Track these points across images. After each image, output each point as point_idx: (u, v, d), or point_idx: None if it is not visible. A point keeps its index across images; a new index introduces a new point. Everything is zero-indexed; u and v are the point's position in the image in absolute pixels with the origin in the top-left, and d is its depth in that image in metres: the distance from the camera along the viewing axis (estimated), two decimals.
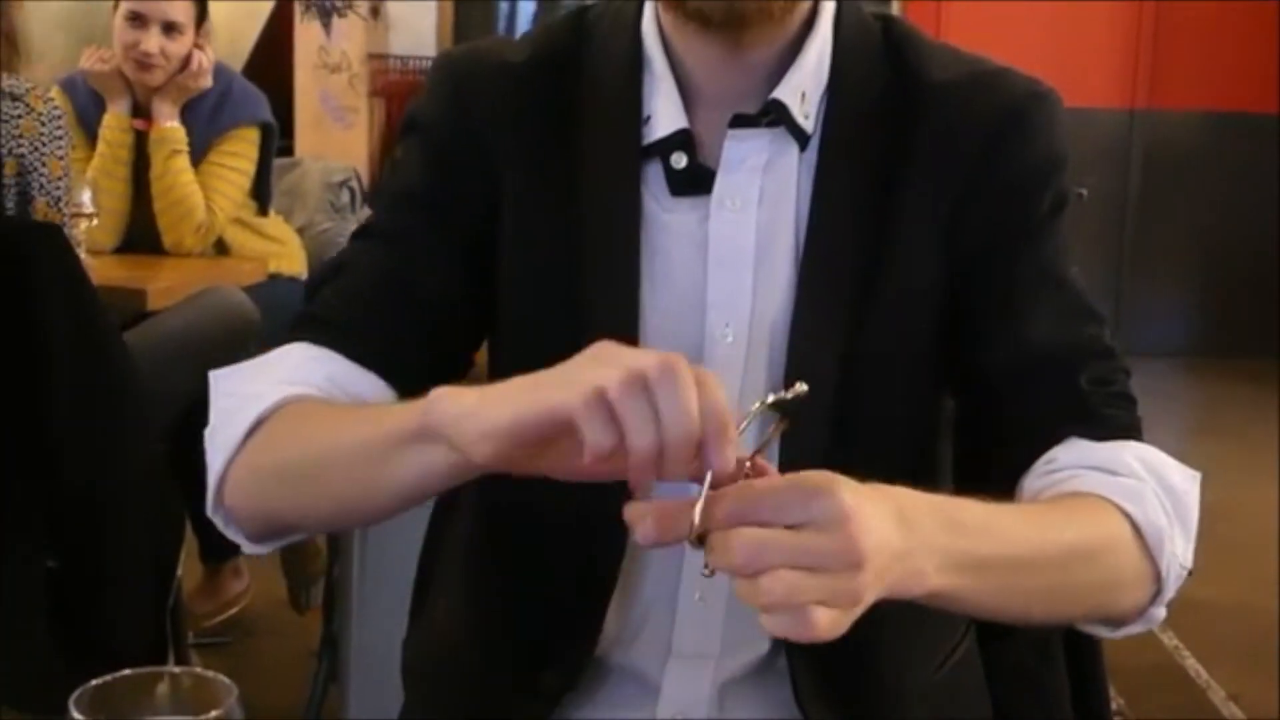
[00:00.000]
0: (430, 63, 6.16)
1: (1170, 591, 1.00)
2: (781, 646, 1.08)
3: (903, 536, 0.79)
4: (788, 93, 1.06)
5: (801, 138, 1.07)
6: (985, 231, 1.06)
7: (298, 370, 1.03)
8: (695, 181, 1.07)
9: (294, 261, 3.39)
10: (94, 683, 0.70)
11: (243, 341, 2.84)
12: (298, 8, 6.23)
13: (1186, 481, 1.02)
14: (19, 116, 2.18)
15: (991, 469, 1.07)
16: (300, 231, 3.51)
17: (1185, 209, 6.68)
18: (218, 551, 3.07)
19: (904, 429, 1.10)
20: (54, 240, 2.01)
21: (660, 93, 1.08)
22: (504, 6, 6.94)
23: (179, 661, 2.46)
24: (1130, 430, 1.05)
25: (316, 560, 3.08)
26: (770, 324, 1.05)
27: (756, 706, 1.09)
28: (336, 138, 6.15)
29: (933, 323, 1.07)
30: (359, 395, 1.03)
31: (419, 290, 1.08)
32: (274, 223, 3.38)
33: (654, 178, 1.08)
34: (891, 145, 1.06)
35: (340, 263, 1.12)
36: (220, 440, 1.01)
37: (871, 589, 0.77)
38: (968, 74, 1.09)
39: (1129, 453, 1.01)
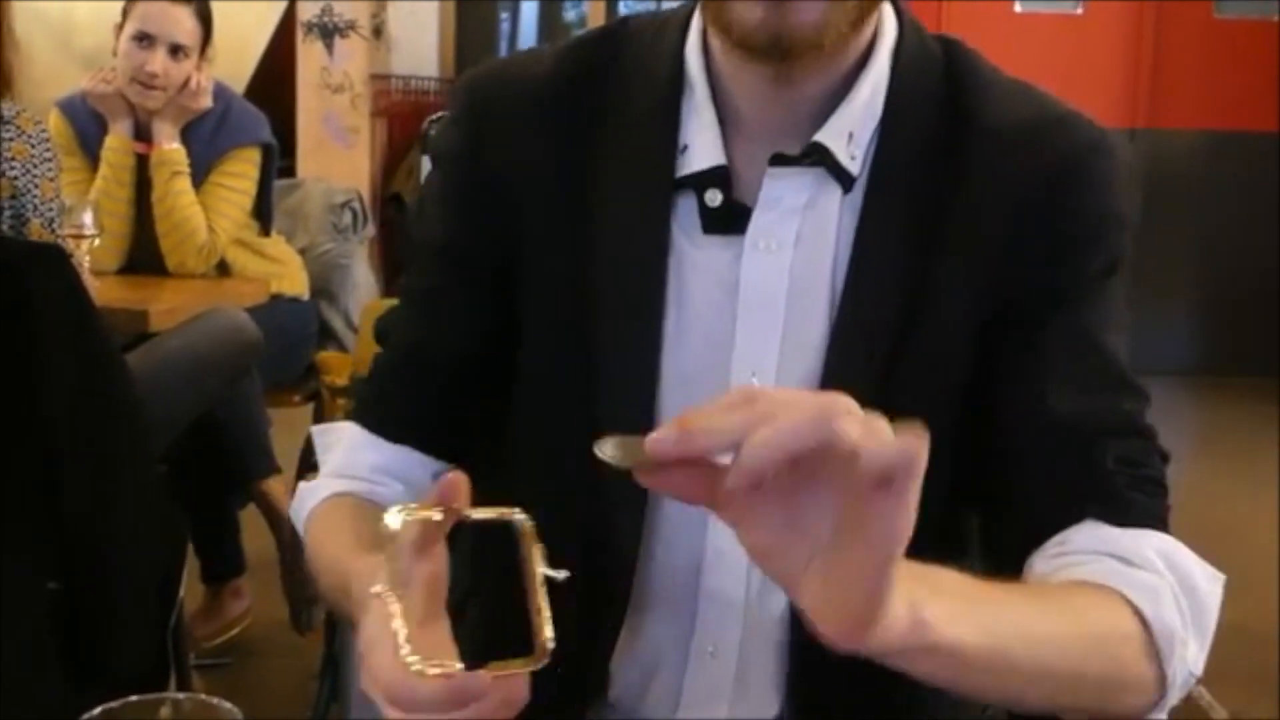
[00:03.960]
0: (432, 83, 6.19)
1: (1174, 699, 0.93)
2: (791, 706, 1.04)
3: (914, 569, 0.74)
4: (833, 134, 1.00)
5: (845, 179, 1.00)
6: (1024, 288, 0.99)
7: (348, 459, 1.10)
8: (729, 219, 1.01)
9: (296, 282, 3.39)
10: (99, 710, 0.70)
11: (245, 362, 2.84)
12: (300, 29, 6.26)
13: (1209, 583, 0.95)
14: (10, 139, 2.20)
15: (1003, 541, 1.01)
16: (302, 253, 3.51)
17: (1186, 228, 6.68)
18: (219, 573, 3.07)
19: (927, 488, 1.02)
20: (56, 260, 2.01)
21: (699, 122, 1.02)
22: (505, 28, 6.96)
23: (181, 683, 2.45)
24: (1155, 519, 0.96)
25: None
26: (799, 376, 0.99)
27: None
28: (339, 158, 6.17)
29: (963, 381, 1.00)
30: (405, 477, 1.08)
31: (446, 356, 1.09)
32: (275, 243, 3.39)
33: (685, 212, 1.02)
34: (940, 192, 0.99)
35: (384, 330, 1.16)
36: (297, 512, 1.11)
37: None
38: (1028, 119, 1.01)
39: (1150, 544, 0.94)
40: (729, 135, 1.02)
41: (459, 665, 0.75)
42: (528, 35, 7.23)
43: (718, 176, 1.01)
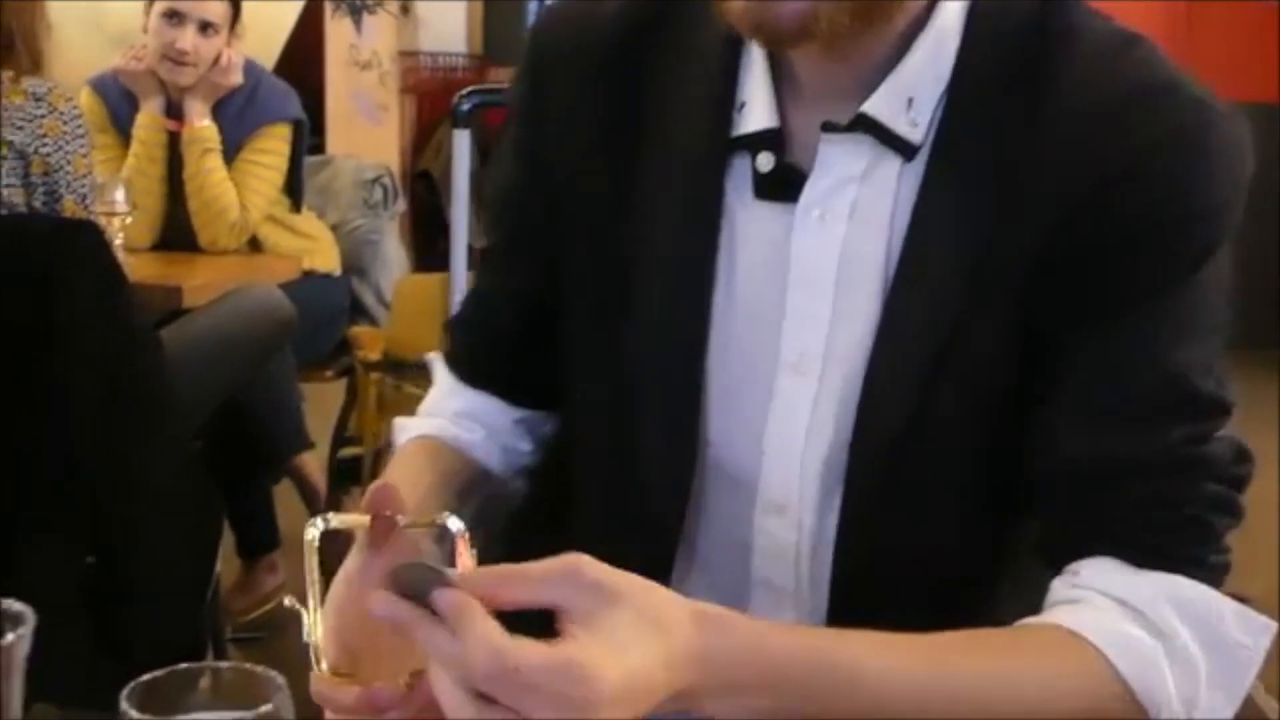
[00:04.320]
0: (461, 59, 6.16)
1: None
2: None
3: (676, 677, 0.73)
4: (885, 102, 0.92)
5: (904, 148, 0.92)
6: (1081, 292, 0.89)
7: (437, 400, 1.14)
8: (782, 185, 0.95)
9: (327, 258, 3.39)
10: (144, 678, 0.70)
11: (279, 338, 2.85)
12: (328, 6, 6.24)
13: (1250, 634, 0.87)
14: (42, 116, 2.20)
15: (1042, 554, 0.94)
16: (333, 229, 3.52)
17: None
18: (253, 548, 3.09)
19: (962, 489, 0.95)
20: (89, 236, 2.02)
21: (755, 80, 0.96)
22: (534, 5, 6.94)
23: (217, 655, 2.47)
24: (1185, 563, 0.87)
25: None
26: (846, 356, 0.94)
27: None
28: (367, 135, 6.16)
29: (1011, 382, 0.92)
30: (486, 423, 1.11)
31: (510, 307, 1.11)
32: (307, 219, 3.39)
33: (739, 174, 0.97)
34: (1012, 167, 0.90)
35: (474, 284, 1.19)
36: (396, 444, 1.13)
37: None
38: (1123, 91, 0.89)
39: (1167, 591, 0.86)
40: (785, 97, 0.96)
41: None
42: None
43: (770, 139, 0.95)
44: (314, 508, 2.79)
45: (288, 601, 0.84)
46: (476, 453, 1.10)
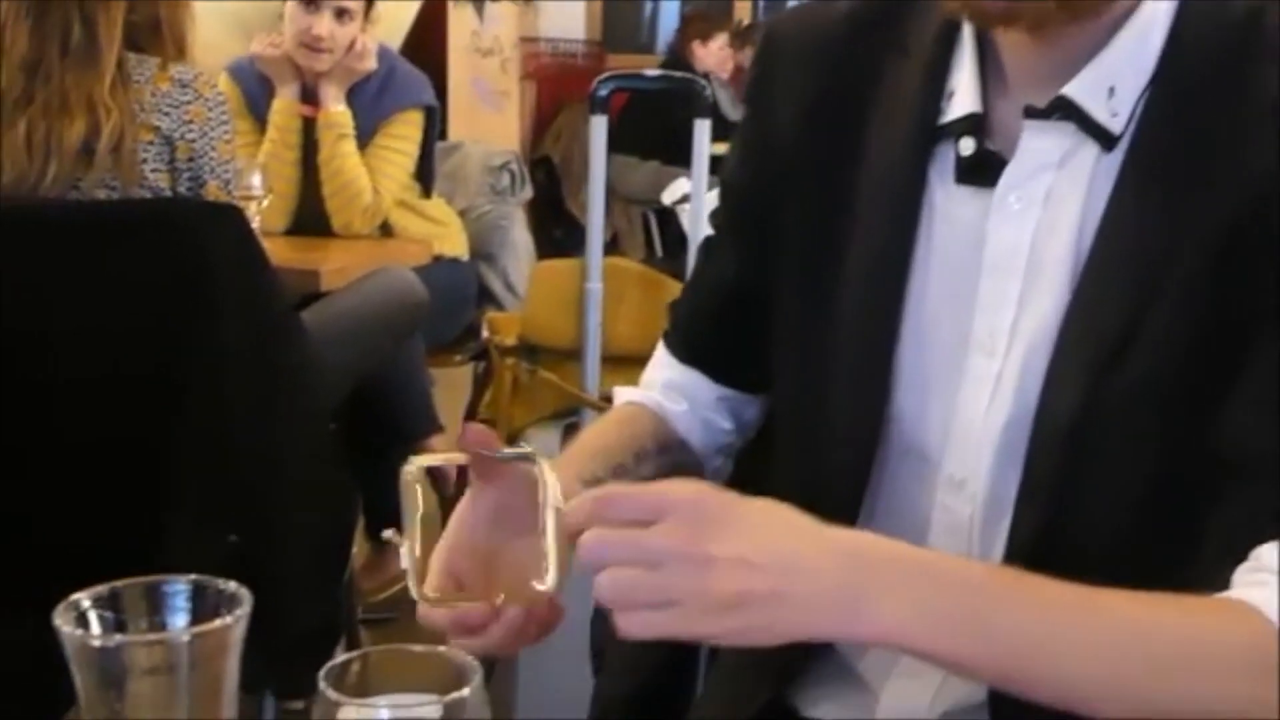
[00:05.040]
0: (580, 46, 6.22)
1: None
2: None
3: (841, 567, 0.79)
4: (1086, 88, 0.94)
5: (1104, 137, 0.94)
6: (1274, 279, 0.88)
7: (652, 374, 1.22)
8: (982, 170, 0.98)
9: (456, 244, 3.42)
10: (340, 660, 0.71)
11: (413, 321, 2.87)
12: None
13: None
14: (188, 102, 2.23)
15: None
16: (461, 214, 3.54)
17: None
18: (383, 529, 3.11)
19: (1130, 488, 0.94)
20: (233, 220, 2.05)
21: (964, 71, 1.00)
22: None
23: (350, 637, 2.50)
24: None
25: None
26: (1028, 342, 0.96)
27: None
28: (488, 121, 6.22)
29: (1195, 365, 0.91)
30: (692, 397, 1.19)
31: (723, 290, 1.17)
32: (437, 205, 3.42)
33: (943, 160, 1.01)
34: (1209, 161, 0.90)
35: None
36: None
37: (734, 597, 0.77)
38: None
39: None
40: (991, 84, 0.99)
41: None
42: None
43: (973, 124, 0.98)
44: (443, 491, 2.81)
45: (387, 534, 0.94)
46: (677, 423, 1.18)
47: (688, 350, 1.20)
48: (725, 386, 1.19)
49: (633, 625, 0.78)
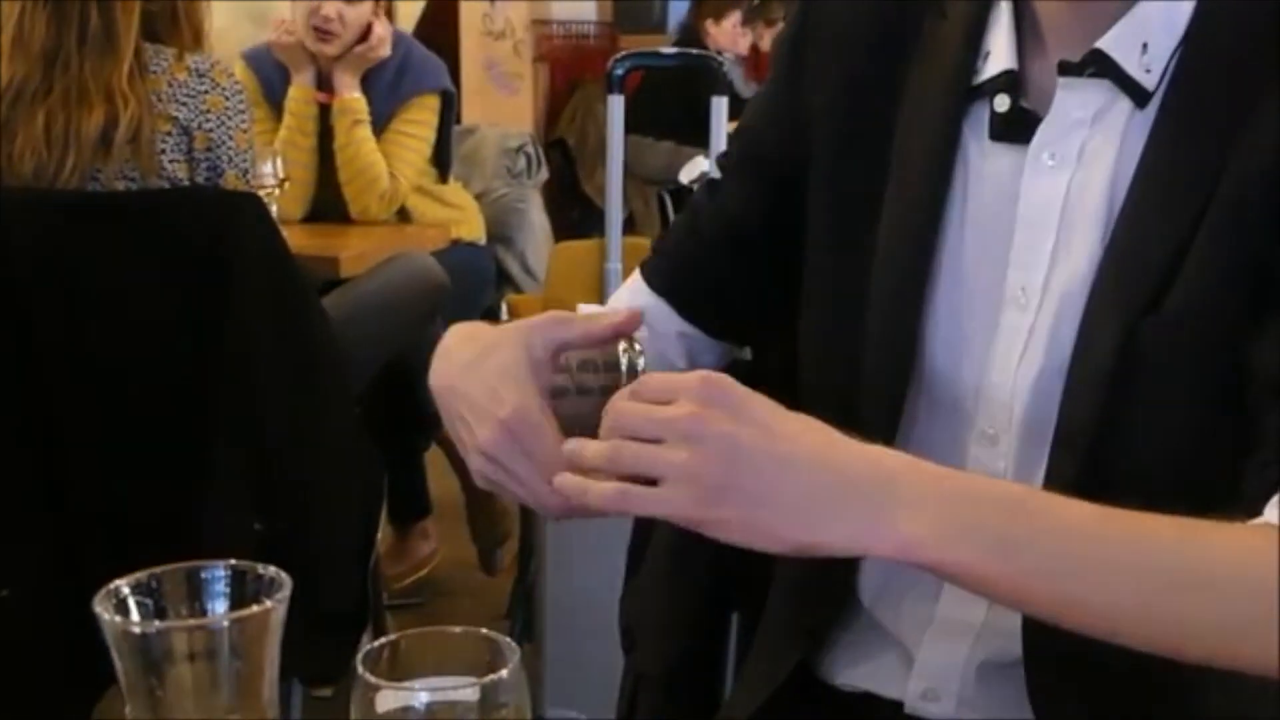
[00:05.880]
0: (592, 28, 6.19)
1: None
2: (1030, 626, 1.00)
3: (871, 480, 0.81)
4: (1119, 42, 0.95)
5: (1138, 93, 0.95)
6: None
7: (621, 295, 1.20)
8: (1016, 126, 0.99)
9: (473, 228, 3.42)
10: (378, 642, 0.71)
11: (433, 305, 2.88)
12: None
13: None
14: (205, 92, 2.23)
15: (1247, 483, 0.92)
16: (478, 198, 3.54)
17: None
18: (406, 514, 3.13)
19: (1182, 406, 0.95)
20: (254, 208, 2.05)
21: (1000, 30, 1.01)
22: None
23: (376, 622, 2.51)
24: None
25: (504, 521, 3.12)
26: (1061, 295, 0.97)
27: (1011, 696, 1.02)
28: (502, 104, 6.20)
29: (1230, 314, 0.92)
30: (652, 325, 1.14)
31: (715, 230, 1.16)
32: (454, 190, 3.42)
33: (977, 118, 1.02)
34: (1244, 115, 0.91)
35: None
36: None
37: (718, 490, 0.79)
38: None
39: None
40: (1026, 42, 1.01)
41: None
42: None
43: (1008, 81, 1.00)
44: (465, 476, 2.81)
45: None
46: None
47: (664, 278, 1.18)
48: (690, 323, 1.17)
49: (607, 495, 0.82)
